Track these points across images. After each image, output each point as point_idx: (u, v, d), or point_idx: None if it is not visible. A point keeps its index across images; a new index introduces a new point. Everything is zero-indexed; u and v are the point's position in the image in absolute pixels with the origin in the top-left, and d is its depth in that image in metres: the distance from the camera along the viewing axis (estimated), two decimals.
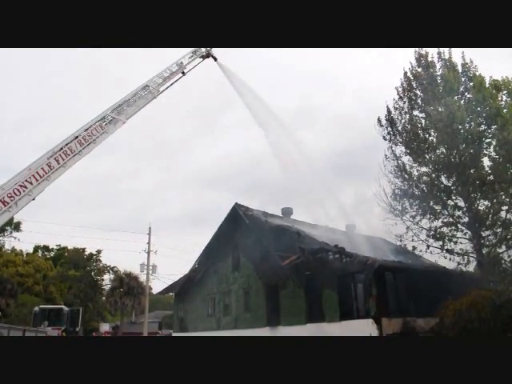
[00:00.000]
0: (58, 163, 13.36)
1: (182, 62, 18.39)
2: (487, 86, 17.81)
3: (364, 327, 17.49)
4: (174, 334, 30.49)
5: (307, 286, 21.04)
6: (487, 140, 17.86)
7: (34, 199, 12.70)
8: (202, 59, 19.20)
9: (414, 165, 19.27)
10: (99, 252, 56.97)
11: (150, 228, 38.04)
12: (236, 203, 25.47)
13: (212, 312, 27.51)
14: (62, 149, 13.67)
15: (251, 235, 23.39)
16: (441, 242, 18.51)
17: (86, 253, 57.95)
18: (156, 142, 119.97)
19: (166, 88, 17.67)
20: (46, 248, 59.09)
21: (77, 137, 14.22)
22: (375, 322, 17.60)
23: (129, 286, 42.37)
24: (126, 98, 16.07)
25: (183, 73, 18.43)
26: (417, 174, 19.21)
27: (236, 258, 26.09)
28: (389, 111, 19.97)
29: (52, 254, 59.52)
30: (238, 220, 24.69)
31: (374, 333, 17.28)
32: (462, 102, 18.48)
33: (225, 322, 26.00)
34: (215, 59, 19.72)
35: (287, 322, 21.36)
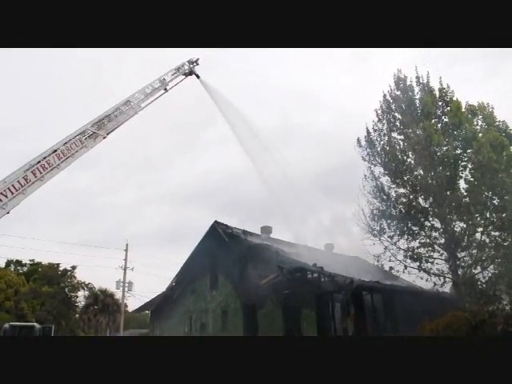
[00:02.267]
0: (35, 176, 13.18)
1: (164, 79, 18.51)
2: (463, 110, 18.33)
3: None
4: None
5: (285, 306, 21.03)
6: (463, 163, 18.25)
7: (8, 213, 12.39)
8: (184, 76, 19.34)
9: (392, 186, 19.58)
10: (74, 268, 55.74)
11: (127, 244, 37.60)
12: (215, 221, 25.42)
13: (188, 331, 27.27)
14: (39, 162, 13.45)
15: (230, 253, 23.44)
16: (418, 263, 18.73)
17: (61, 268, 56.64)
18: (136, 158, 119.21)
19: (148, 104, 17.69)
20: (18, 263, 57.58)
21: (55, 150, 14.10)
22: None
23: (104, 303, 41.52)
24: (107, 113, 16.06)
25: (165, 89, 18.48)
26: (395, 194, 19.50)
27: (214, 277, 25.99)
28: (368, 132, 20.36)
29: (25, 269, 57.95)
30: (217, 238, 24.56)
31: None
32: (439, 125, 18.98)
33: None
34: (198, 77, 19.90)
35: None
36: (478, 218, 17.70)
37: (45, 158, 13.73)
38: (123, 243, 39.51)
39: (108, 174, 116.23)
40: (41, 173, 13.35)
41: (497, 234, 17.39)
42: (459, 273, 18.32)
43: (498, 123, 17.99)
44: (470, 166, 18.04)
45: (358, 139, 20.44)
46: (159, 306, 29.09)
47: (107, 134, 15.82)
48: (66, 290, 55.20)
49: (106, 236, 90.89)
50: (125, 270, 36.63)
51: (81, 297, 54.31)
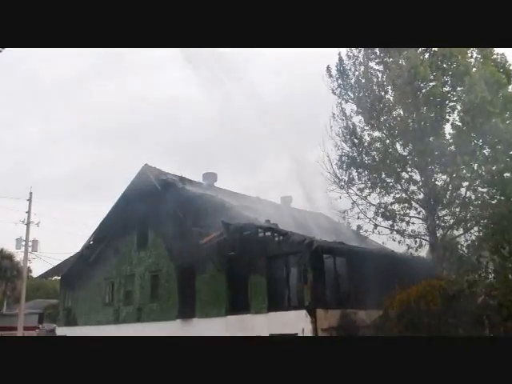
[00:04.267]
0: None
1: None
2: None
3: (296, 320, 17.75)
4: (59, 329, 29.71)
5: (230, 270, 20.91)
6: (451, 103, 18.58)
7: None
8: None
9: (365, 127, 19.93)
10: None
11: (30, 193, 35.86)
12: (146, 164, 24.93)
13: (109, 301, 27.05)
14: None
15: (164, 205, 22.87)
16: (390, 222, 19.52)
17: None
18: (42, 81, 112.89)
19: None
20: None
21: None
22: (309, 313, 17.80)
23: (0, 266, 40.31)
24: None
25: None
26: (368, 138, 19.84)
27: (143, 234, 25.69)
28: (341, 60, 20.31)
29: None
30: (147, 186, 23.95)
31: (308, 326, 17.54)
32: (427, 55, 19.06)
33: (125, 314, 25.67)
34: None
35: (204, 313, 21.37)
36: (464, 171, 18.30)
37: None
38: (26, 191, 37.91)
39: (3, 101, 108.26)
40: None
41: (484, 190, 17.91)
42: (438, 235, 19.07)
43: (495, 56, 18.15)
44: (459, 107, 18.36)
45: (328, 67, 20.42)
46: (72, 270, 28.44)
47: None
48: None
49: (3, 182, 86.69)
50: (28, 225, 35.19)
51: None
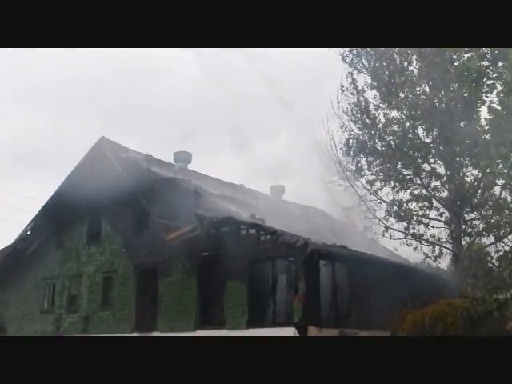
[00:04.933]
0: None
1: None
2: None
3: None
4: None
5: (203, 274, 19.31)
6: (489, 81, 17.86)
7: None
8: None
9: (381, 105, 19.61)
10: None
11: None
12: (102, 137, 23.18)
13: (49, 307, 24.86)
14: None
15: (123, 190, 20.98)
16: (405, 223, 18.98)
17: None
18: None
19: None
20: None
21: None
22: (299, 332, 16.39)
23: None
24: None
25: None
26: (384, 119, 19.26)
27: (95, 225, 23.87)
28: None
29: None
30: (103, 164, 22.27)
31: None
32: None
33: (68, 323, 23.64)
34: None
35: (167, 326, 19.65)
36: (500, 166, 17.46)
37: None
38: None
39: None
40: None
41: None
42: (463, 242, 18.55)
43: None
44: (499, 86, 18.00)
45: None
46: (2, 267, 26.27)
47: None
48: None
49: None
50: None
51: None
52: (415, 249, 18.70)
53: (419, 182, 18.66)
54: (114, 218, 23.06)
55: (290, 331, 16.43)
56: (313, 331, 16.56)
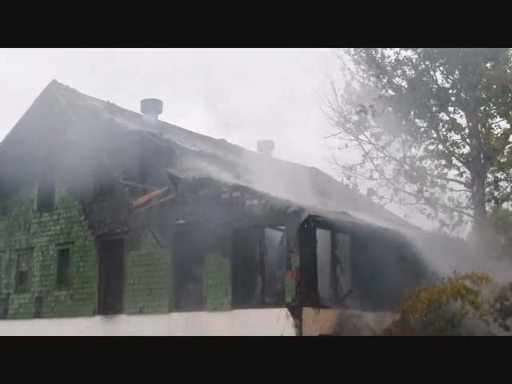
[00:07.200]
0: None
1: None
2: None
3: (272, 323, 16.26)
4: None
5: (178, 246, 19.08)
6: None
7: None
8: None
9: None
10: None
11: None
12: (54, 81, 22.15)
13: None
14: None
15: (80, 146, 19.89)
16: (418, 185, 18.32)
17: None
18: None
19: None
20: None
21: None
22: (292, 314, 16.33)
23: None
24: None
25: None
26: (393, 58, 17.67)
27: (47, 187, 23.15)
28: None
29: None
30: (55, 114, 21.53)
31: (289, 332, 16.17)
32: None
33: (18, 305, 23.20)
34: None
35: (136, 307, 19.48)
36: None
37: None
38: None
39: None
40: None
41: None
42: (487, 208, 17.66)
43: None
44: None
45: None
46: None
47: None
48: None
49: None
50: None
51: None
52: (430, 216, 17.89)
53: (435, 135, 17.60)
54: (69, 179, 21.68)
55: (281, 312, 16.28)
56: (308, 313, 16.46)
